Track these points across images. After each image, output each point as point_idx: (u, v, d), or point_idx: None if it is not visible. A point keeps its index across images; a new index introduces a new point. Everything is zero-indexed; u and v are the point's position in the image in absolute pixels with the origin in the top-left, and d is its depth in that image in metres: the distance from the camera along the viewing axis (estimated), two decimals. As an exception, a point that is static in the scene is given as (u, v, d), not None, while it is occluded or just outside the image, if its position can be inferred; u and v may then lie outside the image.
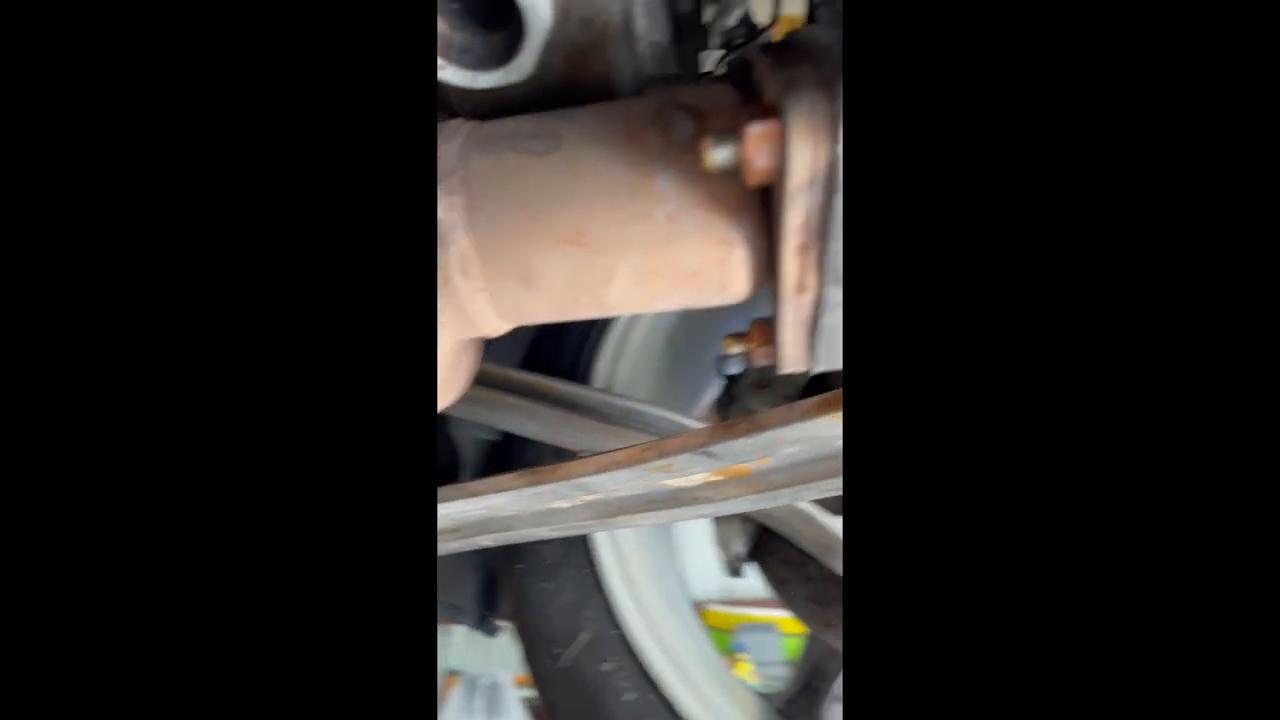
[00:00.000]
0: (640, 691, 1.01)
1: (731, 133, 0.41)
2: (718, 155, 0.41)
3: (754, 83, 0.48)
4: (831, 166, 0.38)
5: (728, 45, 1.05)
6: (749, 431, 0.57)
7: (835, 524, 0.97)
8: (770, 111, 0.39)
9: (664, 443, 0.61)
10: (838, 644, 1.25)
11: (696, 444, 0.59)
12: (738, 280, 0.50)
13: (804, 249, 0.43)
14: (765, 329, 0.57)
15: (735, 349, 0.61)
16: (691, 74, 0.82)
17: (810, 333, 0.52)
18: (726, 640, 3.34)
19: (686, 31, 0.75)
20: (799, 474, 0.64)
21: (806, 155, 0.38)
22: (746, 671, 3.20)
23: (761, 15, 1.05)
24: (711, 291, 0.51)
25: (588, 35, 0.52)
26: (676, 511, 0.69)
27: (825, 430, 0.56)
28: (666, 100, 0.48)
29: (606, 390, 1.02)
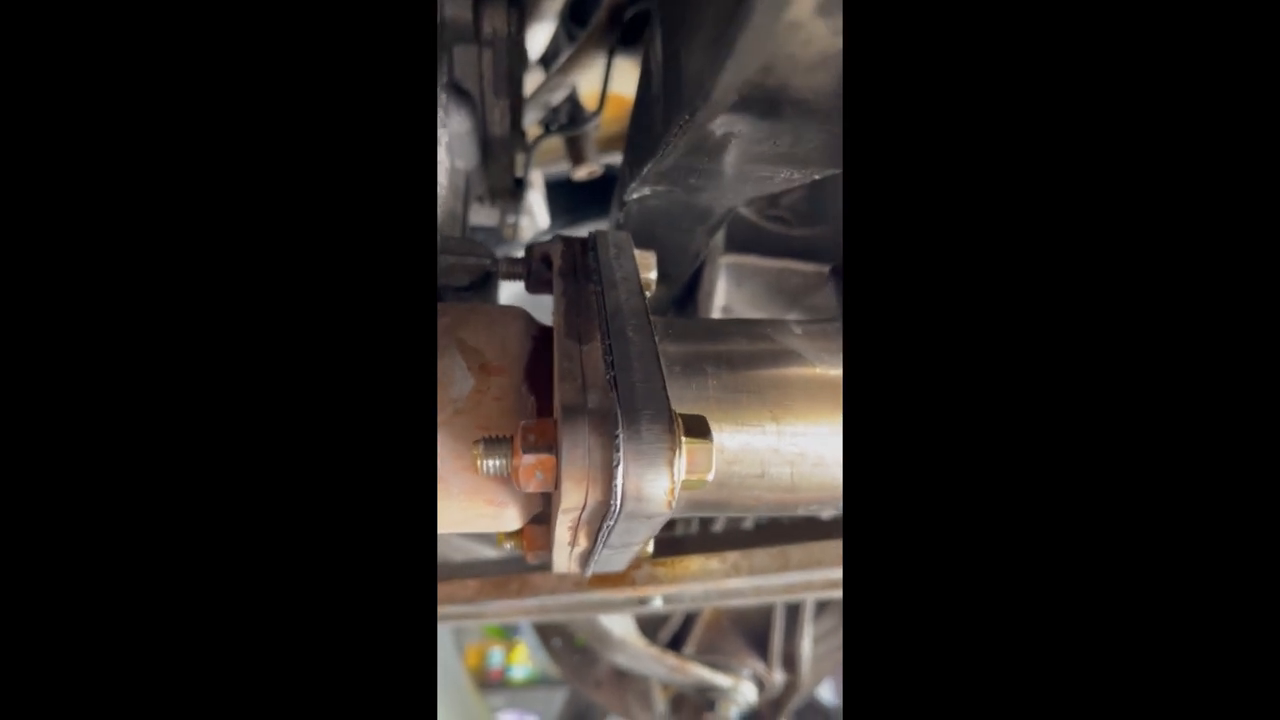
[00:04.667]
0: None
1: (505, 443, 0.38)
2: (488, 465, 0.38)
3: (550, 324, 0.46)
4: (603, 503, 0.37)
5: (549, 124, 1.01)
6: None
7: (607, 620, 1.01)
8: (547, 434, 0.37)
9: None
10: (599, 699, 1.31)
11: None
12: (512, 522, 0.48)
13: (575, 530, 0.42)
14: (537, 534, 0.56)
15: (508, 544, 0.60)
16: (504, 184, 0.78)
17: (583, 565, 0.51)
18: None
19: (497, 151, 0.70)
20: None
21: (577, 496, 0.36)
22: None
23: (590, 100, 1.01)
24: (485, 526, 0.49)
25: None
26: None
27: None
28: (447, 345, 0.44)
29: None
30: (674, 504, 0.37)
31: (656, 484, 0.36)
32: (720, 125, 0.38)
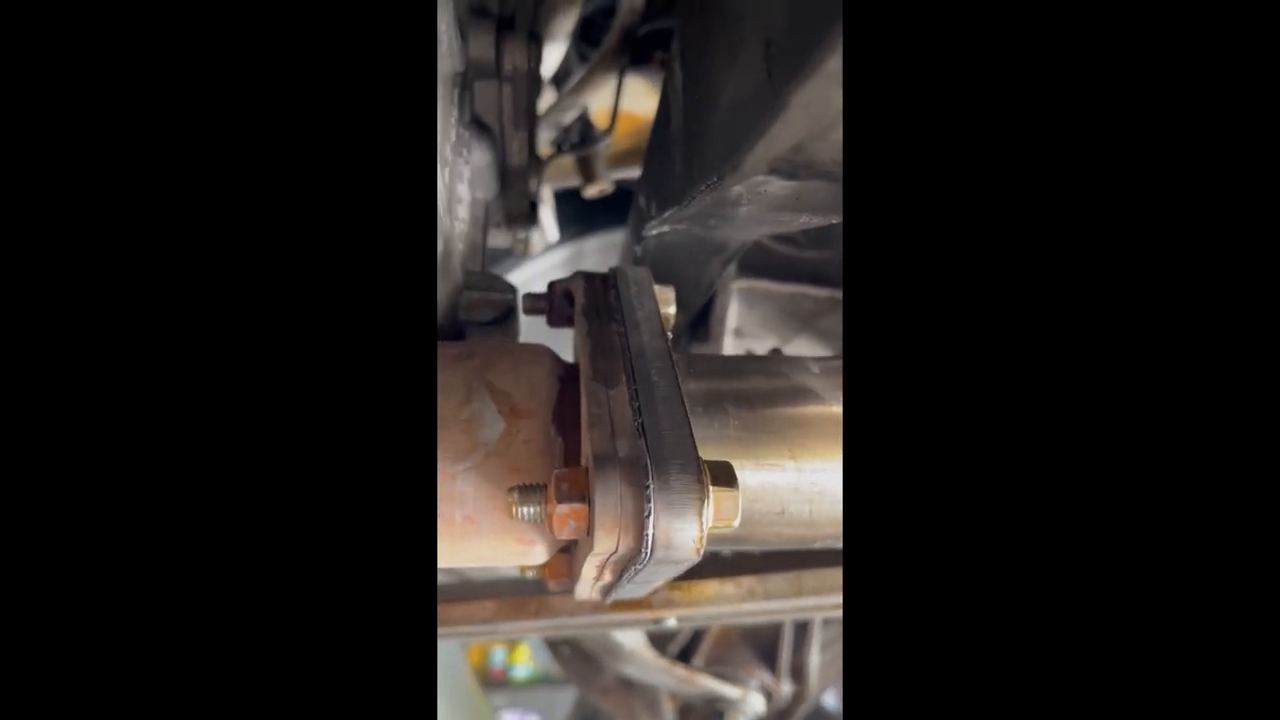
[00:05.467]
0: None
1: (539, 491, 0.40)
2: (523, 512, 0.39)
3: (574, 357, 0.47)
4: (634, 549, 0.38)
5: (561, 143, 1.02)
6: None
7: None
8: (580, 483, 0.39)
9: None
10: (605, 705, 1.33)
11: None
12: (539, 557, 0.49)
13: (602, 568, 0.44)
14: (561, 564, 0.58)
15: (530, 574, 0.61)
16: (520, 209, 0.79)
17: (604, 595, 0.52)
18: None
19: (515, 180, 0.72)
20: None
21: (609, 543, 0.38)
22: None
23: (601, 118, 1.02)
24: (514, 561, 0.50)
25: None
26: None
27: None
28: (478, 388, 0.45)
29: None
30: (702, 551, 0.38)
31: (685, 532, 0.37)
32: (746, 185, 0.39)
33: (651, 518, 0.37)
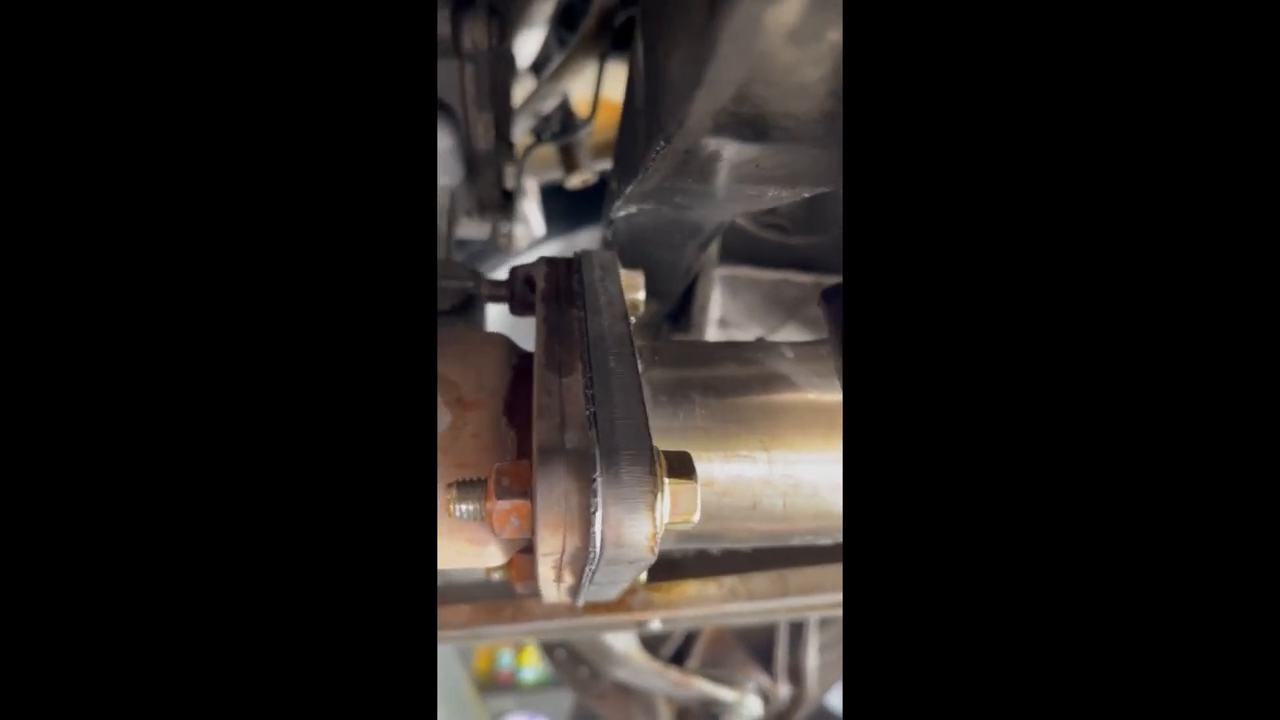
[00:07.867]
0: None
1: (479, 486, 0.37)
2: (461, 510, 0.36)
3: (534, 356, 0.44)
4: (581, 549, 0.35)
5: (541, 132, 0.99)
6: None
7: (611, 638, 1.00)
8: (522, 478, 0.36)
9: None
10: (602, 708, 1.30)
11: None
12: (495, 558, 0.46)
13: (558, 569, 0.41)
14: (525, 564, 0.55)
15: (496, 576, 0.58)
16: (492, 197, 0.76)
17: (572, 597, 0.49)
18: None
19: (483, 165, 0.69)
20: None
21: (555, 542, 0.35)
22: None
23: (582, 106, 0.99)
24: (467, 563, 0.47)
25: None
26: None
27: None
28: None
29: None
30: (656, 548, 0.35)
31: (637, 529, 0.34)
32: (702, 148, 0.36)
33: (599, 513, 0.34)
